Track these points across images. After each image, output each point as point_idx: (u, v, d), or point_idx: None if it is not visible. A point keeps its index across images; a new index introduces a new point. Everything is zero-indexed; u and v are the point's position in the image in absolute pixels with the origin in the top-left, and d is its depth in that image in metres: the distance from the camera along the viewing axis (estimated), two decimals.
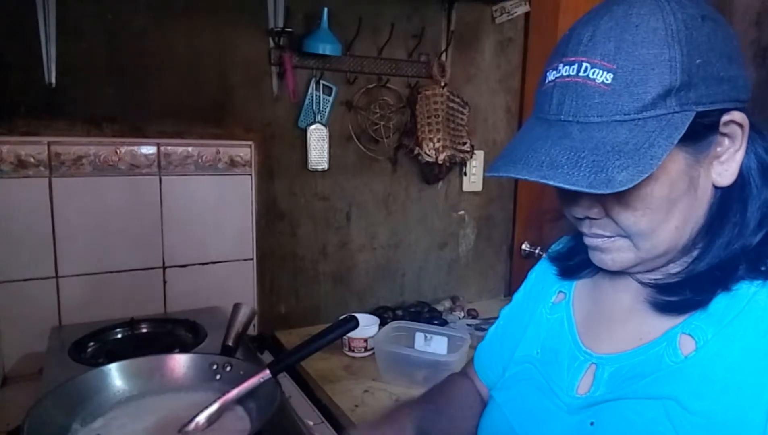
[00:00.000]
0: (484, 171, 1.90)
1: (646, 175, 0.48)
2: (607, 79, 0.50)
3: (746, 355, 0.52)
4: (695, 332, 0.56)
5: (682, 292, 0.57)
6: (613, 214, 0.56)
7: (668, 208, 0.54)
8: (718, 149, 0.55)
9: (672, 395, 0.54)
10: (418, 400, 0.78)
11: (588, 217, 0.58)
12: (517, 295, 0.84)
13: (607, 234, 0.58)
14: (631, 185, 0.48)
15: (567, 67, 0.53)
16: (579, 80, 0.52)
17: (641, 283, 0.62)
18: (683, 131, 0.50)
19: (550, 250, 0.80)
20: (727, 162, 0.55)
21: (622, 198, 0.54)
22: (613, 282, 0.67)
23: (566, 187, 0.49)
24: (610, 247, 0.59)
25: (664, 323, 0.59)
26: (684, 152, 0.53)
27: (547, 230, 1.95)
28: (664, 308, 0.59)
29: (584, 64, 0.51)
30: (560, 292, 0.74)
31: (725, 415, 0.51)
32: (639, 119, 0.50)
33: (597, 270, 0.70)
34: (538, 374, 0.69)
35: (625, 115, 0.50)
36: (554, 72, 0.54)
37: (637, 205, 0.54)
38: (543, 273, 0.80)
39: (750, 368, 0.52)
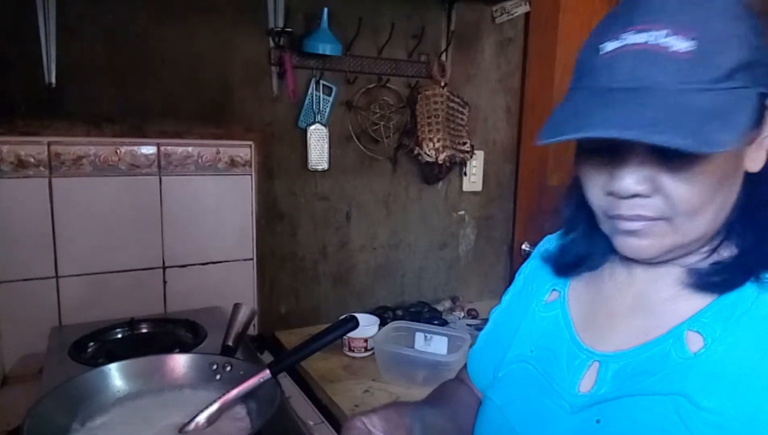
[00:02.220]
0: (483, 168, 1.89)
1: (740, 140, 0.48)
2: (685, 48, 0.50)
3: (756, 353, 0.52)
4: (703, 329, 0.56)
5: (730, 272, 0.56)
6: (668, 189, 0.53)
7: (717, 187, 0.54)
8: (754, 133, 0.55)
9: (681, 391, 0.54)
10: (417, 402, 0.77)
11: (636, 196, 0.55)
12: (505, 297, 0.83)
13: (650, 214, 0.55)
14: (728, 147, 0.48)
15: (638, 35, 0.51)
16: (653, 48, 0.51)
17: (690, 270, 0.60)
18: (754, 105, 0.50)
19: (541, 251, 0.78)
20: (758, 149, 0.55)
21: (680, 171, 0.52)
22: (614, 277, 0.67)
23: (666, 144, 0.47)
24: (649, 232, 0.56)
25: (669, 319, 0.59)
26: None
27: (548, 230, 1.95)
28: (711, 287, 0.57)
29: (659, 32, 0.50)
30: (553, 290, 0.73)
31: (736, 412, 0.51)
32: (716, 90, 0.50)
33: (595, 265, 0.69)
34: (536, 373, 0.68)
35: (702, 84, 0.50)
36: (615, 42, 0.53)
37: (694, 180, 0.52)
38: (532, 272, 0.79)
39: (760, 365, 0.52)
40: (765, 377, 0.51)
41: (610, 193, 0.56)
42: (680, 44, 0.50)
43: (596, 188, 0.58)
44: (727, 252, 0.58)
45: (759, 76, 0.51)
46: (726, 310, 0.55)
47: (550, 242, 0.78)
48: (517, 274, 0.82)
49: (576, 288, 0.71)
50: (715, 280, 0.57)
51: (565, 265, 0.72)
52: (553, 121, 0.54)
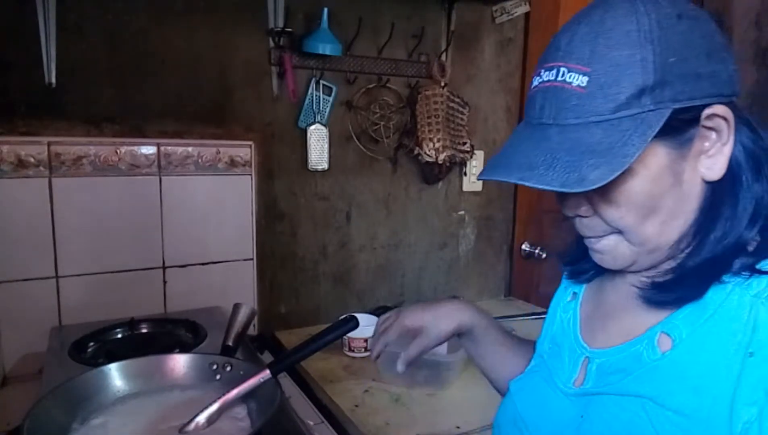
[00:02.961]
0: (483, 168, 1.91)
1: (618, 173, 0.50)
2: (582, 82, 0.52)
3: (717, 354, 0.53)
4: (672, 331, 0.57)
5: (675, 289, 0.58)
6: (599, 211, 0.57)
7: (652, 203, 0.55)
8: (706, 144, 0.56)
9: (649, 393, 0.56)
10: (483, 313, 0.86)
11: (578, 216, 0.60)
12: (555, 294, 0.87)
13: (596, 233, 0.60)
14: (602, 183, 0.50)
15: (547, 73, 0.55)
16: (557, 84, 0.54)
17: (635, 286, 0.62)
18: (657, 128, 0.51)
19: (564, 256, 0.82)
20: (715, 156, 0.56)
21: (605, 195, 0.55)
22: (613, 280, 0.69)
23: (540, 187, 0.51)
24: (605, 246, 0.61)
25: (648, 321, 0.61)
26: (665, 147, 0.54)
27: (548, 230, 1.96)
28: (657, 304, 0.60)
29: (561, 69, 0.54)
30: (573, 292, 0.77)
31: (697, 412, 0.52)
32: (614, 119, 0.52)
33: (600, 272, 0.72)
34: (545, 367, 0.73)
35: (600, 115, 0.52)
36: (537, 78, 0.57)
37: (620, 201, 0.55)
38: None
39: (720, 366, 0.53)
40: (724, 377, 0.52)
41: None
42: (578, 79, 0.52)
43: (562, 210, 0.64)
44: (690, 260, 0.58)
45: (676, 92, 0.51)
46: (696, 312, 0.57)
47: (571, 249, 0.81)
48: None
49: (588, 290, 0.75)
50: (664, 298, 0.59)
51: (577, 272, 0.75)
52: (493, 157, 0.60)
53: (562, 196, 0.60)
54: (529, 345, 0.87)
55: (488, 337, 0.86)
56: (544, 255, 1.95)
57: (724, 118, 0.54)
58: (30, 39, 1.24)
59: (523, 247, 2.01)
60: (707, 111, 0.54)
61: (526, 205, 2.00)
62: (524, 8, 1.78)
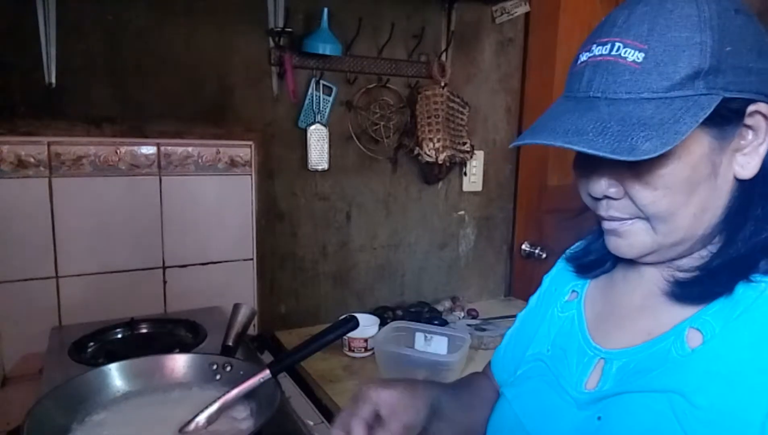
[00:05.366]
0: (483, 168, 1.91)
1: (670, 147, 0.49)
2: (638, 58, 0.52)
3: (752, 350, 0.53)
4: (703, 326, 0.57)
5: (703, 284, 0.58)
6: (632, 192, 0.57)
7: (688, 191, 0.55)
8: (742, 142, 0.56)
9: (677, 389, 0.55)
10: (437, 383, 0.78)
11: (606, 197, 0.59)
12: (532, 299, 0.85)
13: (625, 216, 0.59)
14: (654, 155, 0.49)
15: (600, 48, 0.55)
16: (610, 58, 0.54)
17: (662, 281, 0.62)
18: (709, 112, 0.51)
19: (566, 252, 0.81)
20: (750, 154, 0.56)
21: (642, 176, 0.55)
22: (626, 278, 0.68)
23: (590, 151, 0.50)
24: (627, 231, 0.60)
25: (673, 318, 0.60)
26: (708, 136, 0.54)
27: (548, 230, 1.96)
28: (683, 299, 0.59)
29: (617, 44, 0.54)
30: (573, 290, 0.76)
31: (728, 410, 0.52)
32: (666, 98, 0.52)
33: (611, 266, 0.71)
34: (547, 371, 0.70)
35: (653, 92, 0.52)
36: (587, 53, 0.56)
37: (657, 184, 0.55)
38: (557, 275, 0.81)
39: (755, 363, 0.52)
40: (758, 374, 0.52)
41: (589, 195, 0.61)
42: (633, 55, 0.52)
43: (583, 190, 0.63)
44: (718, 257, 0.58)
45: (728, 82, 0.52)
46: (728, 308, 0.56)
47: (577, 244, 0.80)
48: (544, 277, 0.85)
49: (593, 289, 0.73)
50: (691, 294, 0.59)
51: (585, 266, 0.74)
52: (530, 127, 0.58)
53: (593, 175, 0.59)
54: (472, 383, 0.84)
55: (452, 402, 0.74)
56: (544, 255, 1.95)
57: (765, 117, 0.55)
58: (30, 39, 1.24)
59: (523, 247, 2.01)
60: (752, 107, 0.54)
61: (526, 205, 2.00)
62: (524, 8, 1.78)
